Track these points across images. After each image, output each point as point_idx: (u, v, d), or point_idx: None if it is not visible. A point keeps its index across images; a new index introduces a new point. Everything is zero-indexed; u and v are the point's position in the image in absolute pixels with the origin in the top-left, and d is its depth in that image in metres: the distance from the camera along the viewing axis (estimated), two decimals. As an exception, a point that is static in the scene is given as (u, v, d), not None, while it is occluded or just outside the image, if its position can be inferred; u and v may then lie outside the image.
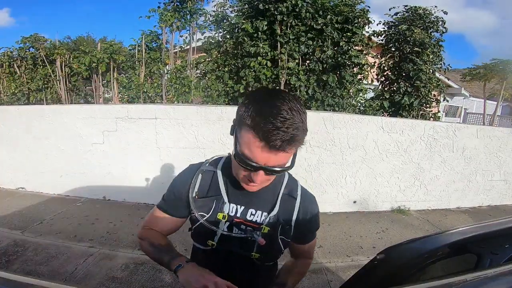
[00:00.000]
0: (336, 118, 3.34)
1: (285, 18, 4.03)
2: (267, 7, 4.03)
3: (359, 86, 4.52)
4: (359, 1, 4.23)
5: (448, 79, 10.12)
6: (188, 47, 4.59)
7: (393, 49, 4.68)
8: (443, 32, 4.75)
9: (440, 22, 4.68)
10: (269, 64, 4.11)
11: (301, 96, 4.09)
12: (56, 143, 3.60)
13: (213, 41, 4.46)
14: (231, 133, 0.70)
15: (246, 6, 4.39)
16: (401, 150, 3.52)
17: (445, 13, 4.67)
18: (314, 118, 3.30)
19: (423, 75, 4.38)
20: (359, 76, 4.43)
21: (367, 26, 4.33)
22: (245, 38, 4.11)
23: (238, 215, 0.79)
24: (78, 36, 17.95)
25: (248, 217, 0.79)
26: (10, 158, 3.78)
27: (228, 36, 4.40)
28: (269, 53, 4.10)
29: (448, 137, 3.61)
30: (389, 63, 4.71)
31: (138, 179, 3.51)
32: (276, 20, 4.05)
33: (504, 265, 0.73)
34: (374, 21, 4.41)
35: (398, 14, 4.78)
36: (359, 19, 4.14)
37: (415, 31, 4.33)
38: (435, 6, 4.63)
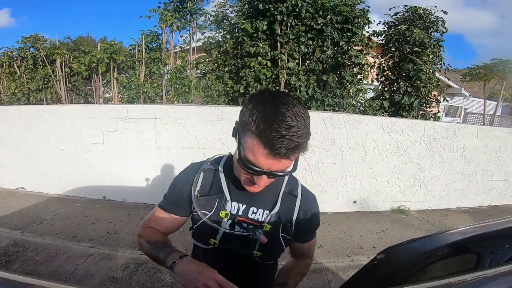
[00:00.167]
0: (336, 118, 3.34)
1: (285, 18, 4.03)
2: (267, 7, 4.03)
3: (359, 86, 4.52)
4: (359, 1, 4.24)
5: (448, 79, 10.13)
6: (188, 47, 4.59)
7: (393, 49, 4.68)
8: (443, 32, 4.75)
9: (440, 22, 4.69)
10: (269, 64, 4.11)
11: (301, 96, 4.09)
12: (56, 143, 3.60)
13: (213, 41, 4.46)
14: (233, 135, 0.70)
15: (246, 6, 4.39)
16: (401, 150, 3.52)
17: (445, 13, 4.67)
18: (314, 118, 3.30)
19: (423, 75, 4.38)
20: (359, 76, 4.43)
21: (367, 26, 4.34)
22: (245, 38, 4.11)
23: (240, 213, 0.79)
24: (78, 36, 17.99)
25: (250, 215, 0.79)
26: (10, 158, 3.78)
27: (228, 36, 4.40)
28: (269, 53, 4.10)
29: (448, 137, 3.61)
30: (389, 63, 4.71)
31: (138, 179, 3.51)
32: (276, 20, 4.05)
33: (504, 265, 0.73)
34: (374, 21, 4.42)
35: (398, 14, 4.79)
36: (359, 19, 4.14)
37: (415, 31, 4.34)
38: (435, 6, 4.64)
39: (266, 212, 0.80)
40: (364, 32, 4.33)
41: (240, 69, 4.26)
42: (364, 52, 4.38)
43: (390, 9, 4.84)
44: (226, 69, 4.34)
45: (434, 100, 4.92)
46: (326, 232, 3.00)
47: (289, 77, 4.15)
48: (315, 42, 4.12)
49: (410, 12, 4.69)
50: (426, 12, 4.64)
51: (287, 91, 4.12)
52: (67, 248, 2.51)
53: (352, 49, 4.17)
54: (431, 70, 4.64)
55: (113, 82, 4.52)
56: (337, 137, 3.37)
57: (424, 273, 0.98)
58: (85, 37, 18.07)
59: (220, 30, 4.47)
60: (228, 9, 4.54)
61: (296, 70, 4.14)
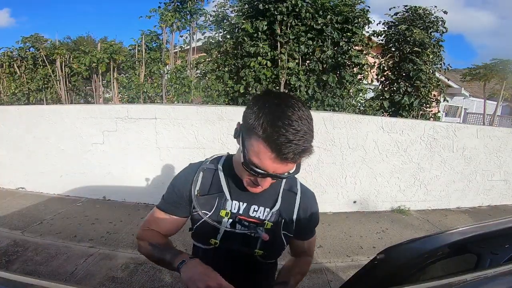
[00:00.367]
0: (336, 118, 3.34)
1: (285, 18, 4.03)
2: (267, 7, 4.03)
3: (359, 86, 4.53)
4: (359, 1, 4.24)
5: (448, 79, 10.13)
6: (188, 47, 4.59)
7: (393, 49, 4.68)
8: (443, 32, 4.76)
9: (440, 22, 4.69)
10: (269, 64, 4.11)
11: (301, 96, 4.09)
12: (56, 143, 3.60)
13: (213, 41, 4.47)
14: (235, 137, 0.70)
15: (246, 6, 4.39)
16: (401, 150, 3.52)
17: (445, 13, 4.67)
18: (314, 118, 3.21)
19: (423, 75, 4.38)
20: (359, 76, 4.43)
21: (367, 26, 4.34)
22: (245, 38, 4.11)
23: (241, 212, 0.79)
24: (78, 36, 17.99)
25: (251, 214, 0.79)
26: (10, 158, 3.78)
27: (228, 36, 4.40)
28: (269, 53, 4.10)
29: (448, 137, 3.61)
30: (389, 63, 4.71)
31: (138, 179, 3.51)
32: (276, 20, 4.05)
33: (504, 265, 0.73)
34: (374, 21, 4.42)
35: (398, 14, 4.79)
36: (359, 19, 4.14)
37: (415, 31, 4.34)
38: (435, 6, 4.64)
39: (267, 210, 0.80)
40: (364, 32, 4.33)
41: (240, 69, 4.26)
42: (364, 52, 4.38)
43: (390, 9, 4.85)
44: (226, 69, 4.34)
45: (434, 100, 4.92)
46: (326, 232, 3.00)
47: (289, 77, 4.15)
48: (315, 42, 4.12)
49: (410, 12, 4.69)
50: (426, 12, 4.64)
51: (287, 91, 4.12)
52: (67, 248, 2.51)
53: (352, 49, 4.17)
54: (431, 70, 4.64)
55: (113, 82, 4.52)
56: (337, 137, 3.37)
57: (424, 273, 0.98)
58: (85, 37, 18.08)
59: (220, 30, 4.47)
60: (228, 9, 4.54)
61: (296, 70, 4.14)
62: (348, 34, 4.11)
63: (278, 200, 0.81)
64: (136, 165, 3.48)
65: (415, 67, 4.37)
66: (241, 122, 0.69)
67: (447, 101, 5.90)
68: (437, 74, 5.15)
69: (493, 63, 7.35)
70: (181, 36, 4.58)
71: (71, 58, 4.71)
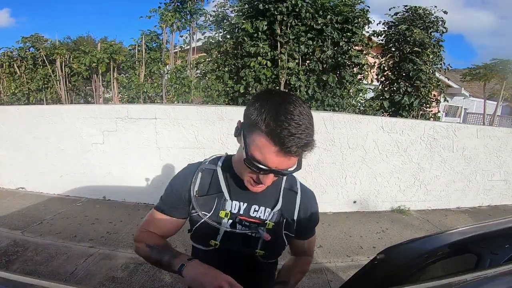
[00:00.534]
0: (336, 118, 3.34)
1: (285, 18, 4.03)
2: (267, 7, 4.03)
3: (359, 86, 4.53)
4: (359, 1, 4.24)
5: (448, 79, 10.13)
6: (188, 47, 4.59)
7: (393, 49, 4.68)
8: (443, 32, 4.76)
9: (440, 22, 4.69)
10: (269, 64, 4.11)
11: (301, 96, 4.09)
12: (56, 143, 3.60)
13: (213, 41, 4.46)
14: (236, 135, 0.70)
15: (246, 6, 4.39)
16: (401, 150, 3.52)
17: (445, 13, 4.67)
18: (314, 118, 3.24)
19: (423, 75, 4.38)
20: (359, 76, 4.43)
21: (367, 26, 4.34)
22: (245, 38, 4.11)
23: (242, 212, 0.78)
24: (78, 36, 17.98)
25: (252, 214, 0.79)
26: (10, 158, 3.78)
27: (228, 36, 4.40)
28: (269, 53, 4.10)
29: (448, 137, 3.61)
30: (389, 63, 4.71)
31: (138, 179, 3.51)
32: (276, 20, 4.05)
33: (504, 265, 0.73)
34: (374, 21, 4.42)
35: (398, 14, 4.79)
36: (359, 19, 4.14)
37: (415, 31, 4.34)
38: (435, 6, 4.64)
39: (268, 209, 0.79)
40: (364, 32, 4.33)
41: (240, 69, 4.26)
42: (364, 52, 4.38)
43: (390, 9, 4.85)
44: (226, 69, 4.34)
45: (434, 100, 4.92)
46: (326, 232, 3.00)
47: (289, 77, 4.15)
48: (315, 42, 4.12)
49: (410, 12, 4.69)
50: (426, 12, 4.64)
51: (287, 91, 4.12)
52: (67, 248, 2.51)
53: (352, 49, 4.17)
54: (431, 70, 4.64)
55: (113, 82, 4.52)
56: (337, 137, 3.37)
57: (424, 273, 0.98)
58: (85, 37, 18.08)
59: (220, 30, 4.47)
60: (228, 9, 4.54)
61: (296, 70, 4.14)
62: (348, 34, 4.11)
63: (280, 200, 0.80)
64: (136, 165, 3.48)
65: (415, 67, 4.37)
66: (242, 121, 0.69)
67: (447, 101, 5.90)
68: (437, 74, 5.15)
69: (493, 63, 7.36)
70: (181, 36, 4.59)
71: (71, 58, 4.71)
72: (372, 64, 4.61)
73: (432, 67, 4.68)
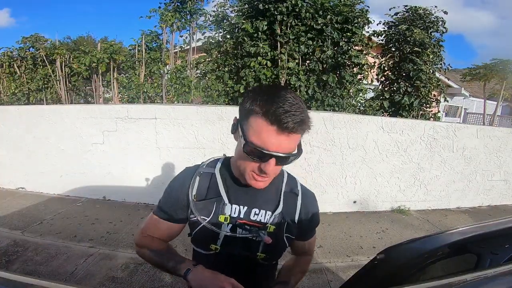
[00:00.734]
0: (336, 118, 3.34)
1: (285, 18, 4.03)
2: (267, 7, 4.03)
3: (359, 86, 4.52)
4: (359, 1, 4.24)
5: (448, 79, 10.13)
6: (188, 47, 4.59)
7: (393, 49, 4.68)
8: (443, 32, 4.75)
9: (440, 22, 4.68)
10: (269, 64, 4.11)
11: (301, 96, 4.09)
12: (56, 143, 3.60)
13: (213, 41, 4.46)
14: (232, 131, 0.70)
15: (246, 6, 4.39)
16: (401, 150, 3.52)
17: (445, 13, 4.67)
18: (314, 118, 3.23)
19: (423, 75, 4.38)
20: (359, 76, 4.43)
21: (367, 26, 4.34)
22: (245, 38, 4.11)
23: (242, 216, 0.77)
24: (78, 36, 17.99)
25: (252, 217, 0.78)
26: (10, 158, 3.78)
27: (228, 36, 4.40)
28: (269, 53, 4.10)
29: (448, 137, 3.61)
30: (389, 63, 4.71)
31: (138, 179, 3.51)
32: (276, 20, 4.05)
33: (504, 265, 0.73)
34: (374, 21, 4.42)
35: (398, 14, 4.79)
36: (359, 19, 4.14)
37: (415, 31, 4.34)
38: (435, 6, 4.64)
39: (269, 212, 0.78)
40: (364, 32, 4.33)
41: (240, 69, 4.26)
42: (364, 52, 4.38)
43: (390, 9, 4.85)
44: (226, 69, 4.34)
45: (434, 100, 4.92)
46: (326, 232, 3.00)
47: (289, 77, 4.15)
48: (315, 42, 4.12)
49: (410, 12, 4.69)
50: (426, 12, 4.64)
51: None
52: (67, 248, 2.51)
53: (352, 49, 4.17)
54: (431, 70, 4.64)
55: (113, 82, 4.52)
56: (337, 137, 3.37)
57: (424, 273, 0.98)
58: (85, 37, 18.08)
59: (220, 30, 4.47)
60: (228, 9, 4.54)
61: (296, 70, 4.14)
62: (348, 34, 4.11)
63: (281, 202, 0.79)
64: (136, 165, 3.48)
65: (415, 67, 4.37)
66: (237, 117, 0.69)
67: (447, 101, 5.90)
68: (437, 74, 5.15)
69: (493, 63, 7.35)
70: (181, 36, 4.59)
71: (71, 58, 4.70)
72: (372, 64, 4.61)
73: (432, 67, 4.68)
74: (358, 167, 3.49)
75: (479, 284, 0.54)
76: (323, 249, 2.69)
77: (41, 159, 3.67)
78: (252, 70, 4.08)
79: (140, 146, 3.42)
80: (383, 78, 4.84)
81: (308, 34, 4.14)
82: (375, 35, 4.78)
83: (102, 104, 4.35)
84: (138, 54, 4.46)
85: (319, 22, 4.06)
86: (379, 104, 4.54)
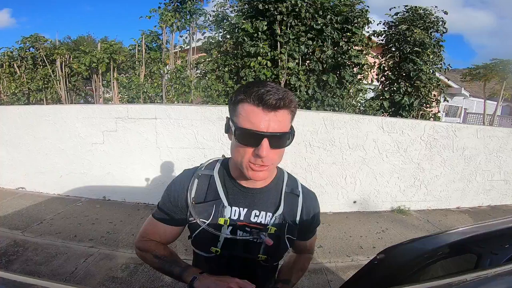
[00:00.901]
0: (336, 118, 3.34)
1: (285, 18, 4.03)
2: (267, 7, 4.03)
3: (359, 86, 4.52)
4: (359, 1, 4.24)
5: (448, 79, 10.13)
6: (188, 47, 4.59)
7: (393, 49, 4.68)
8: (443, 32, 4.75)
9: (440, 22, 4.68)
10: (269, 64, 4.10)
11: (301, 96, 4.10)
12: (56, 143, 3.60)
13: (213, 41, 4.46)
14: (226, 130, 0.71)
15: (246, 6, 4.39)
16: (401, 150, 3.52)
17: (446, 13, 4.67)
18: (314, 118, 3.30)
19: (423, 75, 4.38)
20: (359, 76, 4.43)
21: (366, 26, 4.33)
22: (245, 38, 4.10)
23: (242, 218, 0.76)
24: (79, 36, 18.00)
25: (252, 219, 0.77)
26: (10, 158, 3.78)
27: (228, 36, 4.40)
28: (269, 53, 4.10)
29: (448, 137, 3.61)
30: (389, 63, 4.71)
31: (138, 179, 3.51)
32: (276, 20, 4.05)
33: (504, 265, 0.73)
34: (374, 21, 4.41)
35: (398, 14, 4.78)
36: (359, 19, 4.14)
37: (415, 31, 4.33)
38: (436, 6, 4.64)
39: (269, 214, 0.78)
40: (364, 32, 4.33)
41: (240, 69, 4.26)
42: (364, 52, 4.38)
43: (390, 9, 4.84)
44: (226, 69, 4.34)
45: (434, 100, 4.91)
46: (326, 232, 3.00)
47: (289, 77, 4.15)
48: (315, 42, 4.12)
49: (410, 12, 4.69)
50: (426, 12, 4.64)
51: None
52: (67, 248, 2.51)
53: (352, 49, 4.16)
54: (431, 70, 4.64)
55: (113, 82, 4.52)
56: (337, 137, 3.37)
57: (424, 273, 0.98)
58: (85, 37, 18.09)
59: (220, 30, 4.47)
60: (228, 9, 4.54)
61: (296, 70, 4.14)
62: (348, 34, 4.11)
63: (281, 204, 0.79)
64: (136, 165, 3.48)
65: (415, 67, 4.37)
66: (228, 116, 0.71)
67: (447, 101, 5.89)
68: (437, 74, 5.15)
69: (493, 63, 7.35)
70: (181, 36, 4.58)
71: (71, 58, 4.70)
72: (372, 64, 4.61)
73: (432, 67, 4.68)
74: (358, 167, 3.49)
75: (479, 284, 0.54)
76: (323, 249, 2.69)
77: (41, 159, 3.67)
78: (252, 70, 4.08)
79: (140, 146, 3.42)
80: (383, 78, 4.84)
81: (308, 34, 4.14)
82: (375, 35, 4.78)
83: (102, 104, 4.35)
84: (138, 54, 4.46)
85: (319, 22, 4.05)
86: (379, 104, 4.54)
